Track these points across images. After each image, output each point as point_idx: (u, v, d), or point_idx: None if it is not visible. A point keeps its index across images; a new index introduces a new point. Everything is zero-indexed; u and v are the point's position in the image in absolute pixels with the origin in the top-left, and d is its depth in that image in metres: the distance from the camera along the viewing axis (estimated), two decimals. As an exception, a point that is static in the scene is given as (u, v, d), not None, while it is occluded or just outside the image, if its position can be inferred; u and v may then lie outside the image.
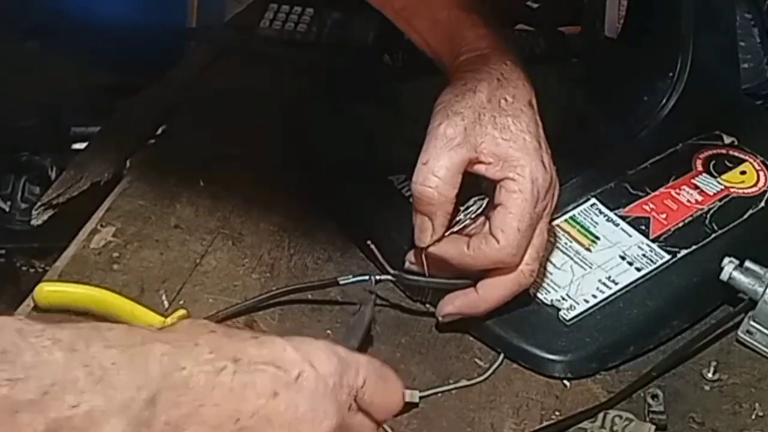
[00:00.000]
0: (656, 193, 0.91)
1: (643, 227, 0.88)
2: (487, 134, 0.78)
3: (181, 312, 0.81)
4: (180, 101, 1.09)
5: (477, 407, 0.79)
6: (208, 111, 1.07)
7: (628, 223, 0.89)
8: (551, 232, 0.85)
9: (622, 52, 0.99)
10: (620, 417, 0.75)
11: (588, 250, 0.87)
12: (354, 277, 0.83)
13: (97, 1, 1.19)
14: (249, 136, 1.02)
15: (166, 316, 0.81)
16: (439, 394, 0.80)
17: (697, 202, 0.90)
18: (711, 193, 0.91)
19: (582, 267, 0.86)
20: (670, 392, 0.80)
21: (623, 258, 0.86)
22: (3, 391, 0.53)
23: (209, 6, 1.28)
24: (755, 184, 0.92)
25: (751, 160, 0.94)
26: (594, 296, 0.84)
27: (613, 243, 0.87)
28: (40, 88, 1.17)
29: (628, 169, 0.93)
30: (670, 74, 0.92)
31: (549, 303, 0.84)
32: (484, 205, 0.81)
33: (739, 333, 0.83)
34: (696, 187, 0.92)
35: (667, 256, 0.86)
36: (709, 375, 0.81)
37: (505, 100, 0.80)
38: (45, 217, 0.99)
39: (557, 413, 0.79)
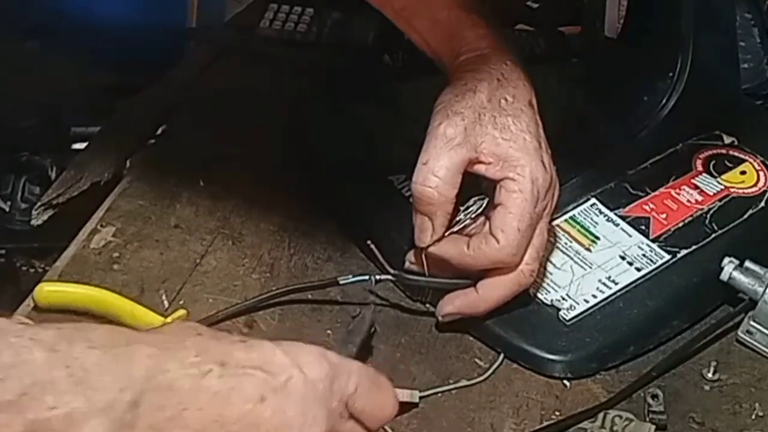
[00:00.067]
0: (656, 193, 0.91)
1: (643, 227, 0.88)
2: (487, 134, 0.78)
3: (181, 312, 0.81)
4: (180, 101, 1.09)
5: (477, 407, 0.79)
6: (208, 111, 1.07)
7: (628, 223, 0.89)
8: (551, 232, 0.85)
9: (622, 52, 0.99)
10: (620, 417, 0.75)
11: (588, 250, 0.87)
12: (354, 277, 0.83)
13: (97, 1, 1.19)
14: (249, 136, 1.02)
15: (166, 316, 0.81)
16: (439, 394, 0.80)
17: (697, 202, 0.90)
18: (711, 193, 0.91)
19: (582, 267, 0.86)
20: (670, 392, 0.80)
21: (623, 258, 0.86)
22: None
23: (209, 6, 1.28)
24: (755, 184, 0.92)
25: (751, 160, 0.94)
26: (594, 296, 0.84)
27: (613, 243, 0.87)
28: (40, 88, 1.17)
29: (628, 169, 0.93)
30: (670, 74, 0.92)
31: (549, 303, 0.84)
32: (484, 205, 0.81)
33: (739, 333, 0.83)
34: (696, 187, 0.92)
35: (667, 256, 0.86)
36: (709, 375, 0.81)
37: (506, 100, 0.80)
38: (45, 217, 0.99)
39: (557, 413, 0.79)
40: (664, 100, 0.92)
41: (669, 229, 0.88)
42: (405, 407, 0.78)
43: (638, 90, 0.94)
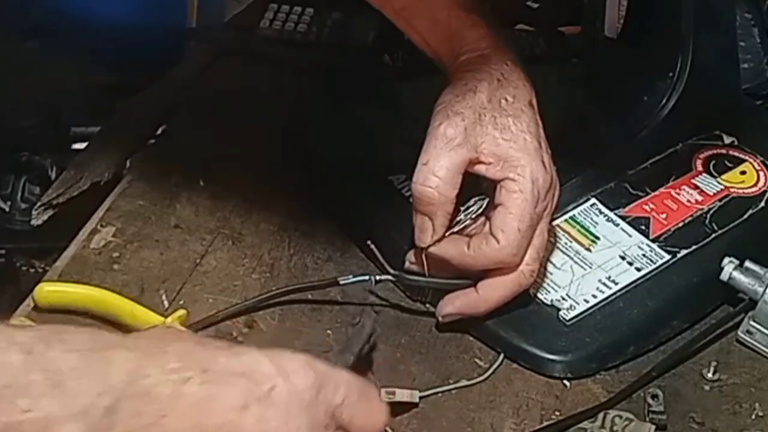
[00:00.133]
0: (656, 193, 0.91)
1: (643, 227, 0.88)
2: (487, 134, 0.78)
3: (182, 312, 0.81)
4: (180, 101, 1.09)
5: (477, 407, 0.79)
6: (208, 111, 1.07)
7: (628, 223, 0.89)
8: (551, 232, 0.85)
9: (622, 52, 0.99)
10: (620, 417, 0.75)
11: (588, 250, 0.87)
12: (354, 277, 0.83)
13: (97, 1, 1.19)
14: (249, 136, 1.02)
15: (166, 316, 0.81)
16: (439, 394, 0.80)
17: (697, 202, 0.90)
18: (711, 193, 0.91)
19: (582, 267, 0.86)
20: (670, 392, 0.80)
21: (623, 258, 0.86)
22: None
23: (209, 6, 1.28)
24: (755, 184, 0.92)
25: (751, 160, 0.94)
26: (594, 296, 0.84)
27: (613, 243, 0.87)
28: (40, 88, 1.17)
29: (628, 169, 0.93)
30: (670, 74, 0.92)
31: (549, 303, 0.84)
32: (484, 206, 0.81)
33: (739, 333, 0.83)
34: (696, 187, 0.92)
35: (667, 256, 0.86)
36: (709, 375, 0.81)
37: (506, 100, 0.80)
38: (45, 217, 0.99)
39: (557, 413, 0.79)
40: (664, 100, 0.92)
41: (669, 229, 0.88)
42: (405, 407, 0.78)
43: (638, 90, 0.94)
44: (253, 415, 0.57)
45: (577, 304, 0.83)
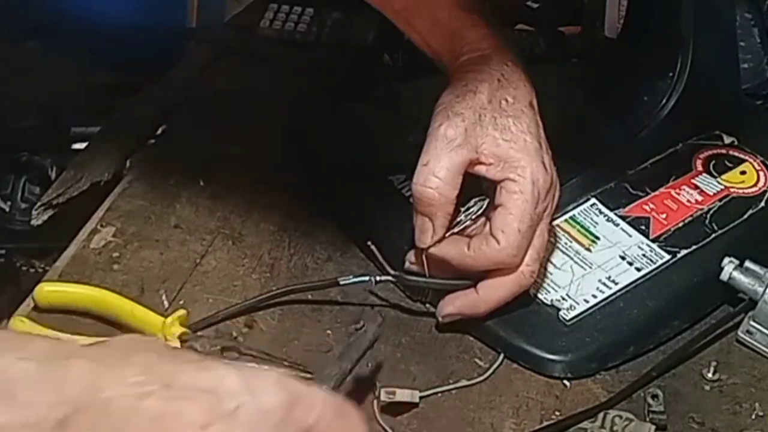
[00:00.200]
0: (656, 193, 0.91)
1: (643, 227, 0.88)
2: (487, 135, 0.78)
3: (182, 312, 0.81)
4: (180, 101, 1.09)
5: (477, 407, 0.79)
6: (208, 111, 1.07)
7: (628, 223, 0.89)
8: (551, 233, 0.85)
9: (622, 52, 0.99)
10: (620, 417, 0.75)
11: (588, 250, 0.87)
12: (354, 277, 0.83)
13: (97, 1, 1.19)
14: (249, 136, 1.02)
15: (166, 316, 0.81)
16: (439, 394, 0.80)
17: (697, 202, 0.90)
18: (711, 193, 0.91)
19: (582, 267, 0.86)
20: (670, 392, 0.80)
21: (623, 258, 0.86)
22: None
23: (209, 6, 1.28)
24: (755, 184, 0.92)
25: (751, 160, 0.94)
26: (594, 296, 0.84)
27: (613, 243, 0.87)
28: (40, 88, 1.17)
29: (628, 169, 0.93)
30: (670, 74, 0.92)
31: (549, 303, 0.84)
32: (484, 206, 0.81)
33: (739, 333, 0.83)
34: (696, 187, 0.92)
35: (667, 256, 0.86)
36: (709, 375, 0.81)
37: (506, 100, 0.80)
38: (45, 217, 0.99)
39: (557, 413, 0.79)
40: (664, 100, 0.92)
41: (669, 229, 0.88)
42: (405, 407, 0.78)
43: (638, 90, 0.94)
44: None
45: (577, 304, 0.83)
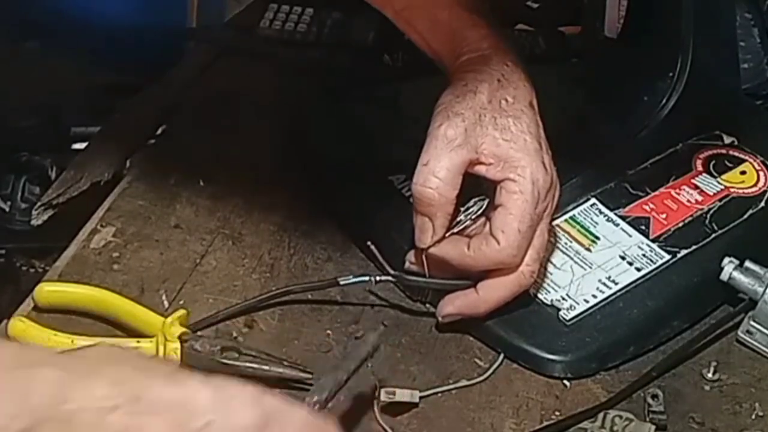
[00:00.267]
0: (656, 193, 0.91)
1: (643, 227, 0.88)
2: (487, 135, 0.78)
3: (182, 312, 0.81)
4: (180, 101, 1.09)
5: (477, 407, 0.79)
6: (208, 111, 1.06)
7: (628, 223, 0.89)
8: (551, 233, 0.85)
9: (622, 52, 0.99)
10: (620, 417, 0.75)
11: (588, 250, 0.87)
12: (354, 277, 0.83)
13: (97, 1, 1.19)
14: (249, 136, 1.02)
15: (166, 316, 0.81)
16: (439, 394, 0.79)
17: (697, 202, 0.90)
18: (711, 193, 0.91)
19: (582, 267, 0.86)
20: (670, 392, 0.80)
21: (623, 258, 0.86)
22: None
23: (209, 6, 1.28)
24: (755, 184, 0.92)
25: (751, 160, 0.94)
26: (594, 296, 0.84)
27: (613, 243, 0.87)
28: (40, 88, 1.17)
29: (628, 169, 0.93)
30: (670, 74, 0.92)
31: (549, 303, 0.84)
32: (484, 206, 0.81)
33: (739, 333, 0.83)
34: (696, 187, 0.92)
35: (667, 256, 0.86)
36: (709, 375, 0.81)
37: (506, 100, 0.80)
38: (45, 217, 0.99)
39: (557, 413, 0.79)
40: (664, 100, 0.92)
41: (669, 229, 0.88)
42: (405, 407, 0.78)
43: (638, 90, 0.94)
44: None
45: (577, 304, 0.83)
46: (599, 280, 0.85)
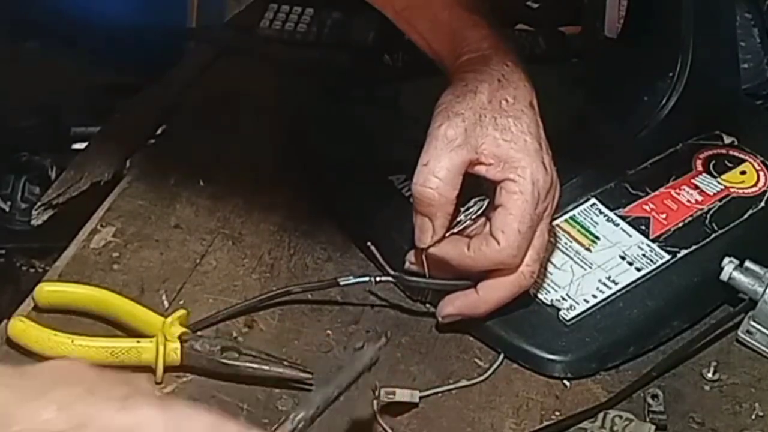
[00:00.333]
0: (656, 193, 0.91)
1: (643, 227, 0.88)
2: (487, 135, 0.78)
3: (182, 312, 0.81)
4: (180, 101, 1.09)
5: (477, 407, 0.79)
6: (208, 111, 1.06)
7: (628, 223, 0.89)
8: (551, 233, 0.85)
9: (622, 52, 0.99)
10: (620, 417, 0.75)
11: (588, 250, 0.87)
12: (354, 277, 0.83)
13: (97, 1, 1.19)
14: (249, 136, 1.02)
15: (166, 316, 0.81)
16: (439, 394, 0.79)
17: (697, 202, 0.90)
18: (711, 193, 0.91)
19: (582, 267, 0.86)
20: (670, 392, 0.80)
21: (623, 258, 0.86)
22: None
23: (209, 6, 1.28)
24: (755, 184, 0.92)
25: (751, 160, 0.94)
26: (594, 296, 0.84)
27: (613, 243, 0.87)
28: (40, 88, 1.17)
29: (628, 169, 0.93)
30: (670, 74, 0.92)
31: (549, 303, 0.84)
32: (484, 206, 0.81)
33: (739, 333, 0.83)
34: (696, 187, 0.92)
35: (667, 256, 0.86)
36: (709, 375, 0.81)
37: (506, 101, 0.80)
38: (45, 217, 0.99)
39: (557, 413, 0.79)
40: (664, 100, 0.92)
41: (669, 229, 0.88)
42: (405, 407, 0.78)
43: (638, 90, 0.94)
44: None
45: (577, 304, 0.83)
46: (599, 280, 0.85)
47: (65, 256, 0.89)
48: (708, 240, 0.87)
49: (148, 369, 0.78)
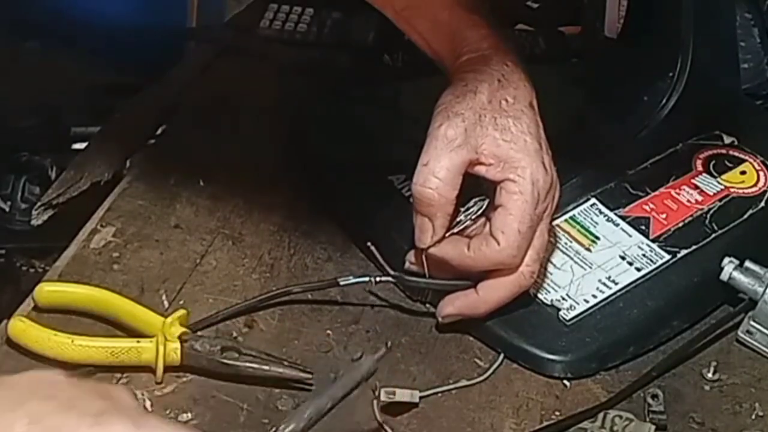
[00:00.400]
0: (656, 193, 0.91)
1: (643, 227, 0.88)
2: (487, 135, 0.78)
3: (182, 312, 0.81)
4: (180, 101, 1.09)
5: (477, 407, 0.79)
6: (208, 111, 1.07)
7: (628, 223, 0.89)
8: (551, 233, 0.85)
9: (622, 52, 0.99)
10: (620, 417, 0.75)
11: (588, 250, 0.87)
12: (354, 277, 0.83)
13: (97, 1, 1.19)
14: (249, 136, 1.02)
15: (166, 316, 0.81)
16: (439, 394, 0.79)
17: (697, 202, 0.90)
18: (711, 193, 0.91)
19: (582, 267, 0.86)
20: (670, 392, 0.80)
21: (623, 258, 0.86)
22: None
23: (209, 6, 1.28)
24: (755, 184, 0.92)
25: (751, 160, 0.94)
26: (594, 296, 0.84)
27: (613, 243, 0.87)
28: (40, 88, 1.17)
29: (628, 169, 0.93)
30: (670, 74, 0.92)
31: (549, 303, 0.84)
32: (484, 206, 0.81)
33: (739, 333, 0.83)
34: (696, 187, 0.92)
35: (667, 256, 0.86)
36: (709, 375, 0.81)
37: (506, 101, 0.80)
38: (45, 217, 0.99)
39: (557, 413, 0.79)
40: (664, 100, 0.92)
41: (669, 229, 0.88)
42: (405, 407, 0.78)
43: (638, 90, 0.94)
44: None
45: (577, 304, 0.83)
46: (599, 280, 0.85)
47: (65, 256, 0.89)
48: (708, 240, 0.87)
49: (148, 369, 0.78)
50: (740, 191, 0.91)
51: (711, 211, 0.89)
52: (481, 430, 0.77)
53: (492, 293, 0.80)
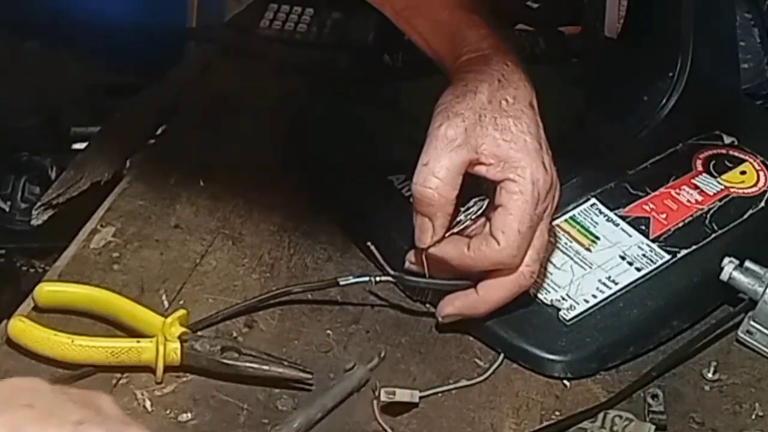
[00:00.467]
0: (656, 193, 0.91)
1: (643, 227, 0.88)
2: (487, 135, 0.78)
3: (182, 312, 0.81)
4: (180, 101, 1.09)
5: (477, 407, 0.79)
6: (208, 111, 1.07)
7: (628, 223, 0.89)
8: (551, 233, 0.85)
9: (622, 52, 0.99)
10: (620, 417, 0.75)
11: (588, 250, 0.87)
12: (354, 277, 0.83)
13: (97, 1, 1.19)
14: (249, 136, 1.02)
15: (166, 316, 0.81)
16: (439, 394, 0.79)
17: (697, 202, 0.90)
18: (711, 193, 0.91)
19: (582, 267, 0.86)
20: (670, 392, 0.80)
21: (623, 258, 0.86)
22: None
23: (209, 6, 1.28)
24: (755, 184, 0.92)
25: (751, 160, 0.94)
26: (594, 296, 0.84)
27: (613, 243, 0.87)
28: (40, 88, 1.17)
29: (628, 169, 0.93)
30: (670, 74, 0.92)
31: (549, 303, 0.84)
32: (484, 206, 0.81)
33: (739, 333, 0.83)
34: (696, 187, 0.92)
35: (667, 256, 0.86)
36: (709, 375, 0.81)
37: (506, 101, 0.80)
38: (45, 217, 0.99)
39: (557, 413, 0.79)
40: (664, 100, 0.92)
41: (669, 229, 0.88)
42: (405, 407, 0.78)
43: (638, 90, 0.94)
44: None
45: (577, 304, 0.83)
46: (599, 280, 0.85)
47: (65, 256, 0.89)
48: (708, 240, 0.87)
49: (148, 369, 0.78)
50: (740, 191, 0.91)
51: (711, 211, 0.89)
52: (481, 430, 0.77)
53: (492, 293, 0.80)
